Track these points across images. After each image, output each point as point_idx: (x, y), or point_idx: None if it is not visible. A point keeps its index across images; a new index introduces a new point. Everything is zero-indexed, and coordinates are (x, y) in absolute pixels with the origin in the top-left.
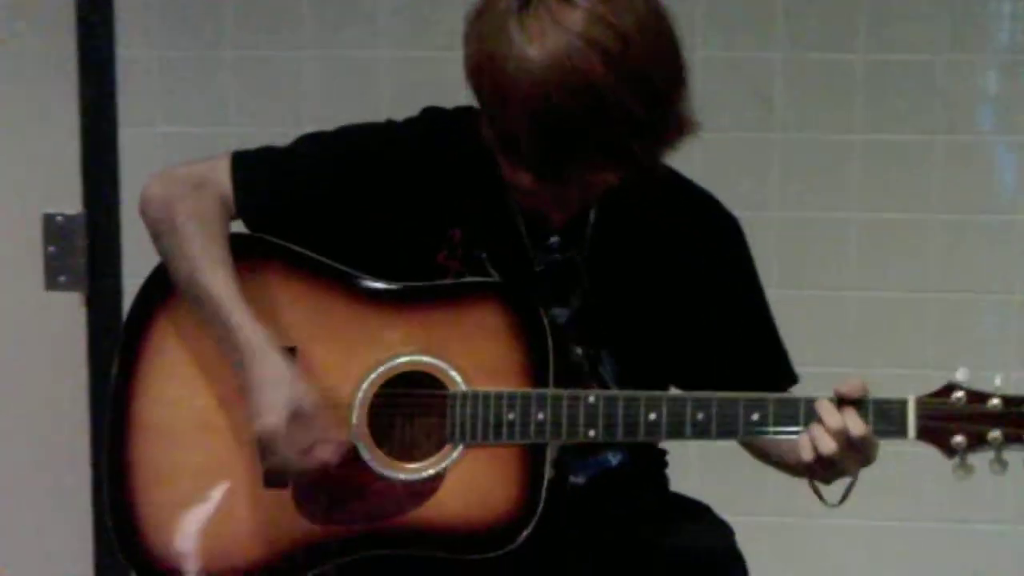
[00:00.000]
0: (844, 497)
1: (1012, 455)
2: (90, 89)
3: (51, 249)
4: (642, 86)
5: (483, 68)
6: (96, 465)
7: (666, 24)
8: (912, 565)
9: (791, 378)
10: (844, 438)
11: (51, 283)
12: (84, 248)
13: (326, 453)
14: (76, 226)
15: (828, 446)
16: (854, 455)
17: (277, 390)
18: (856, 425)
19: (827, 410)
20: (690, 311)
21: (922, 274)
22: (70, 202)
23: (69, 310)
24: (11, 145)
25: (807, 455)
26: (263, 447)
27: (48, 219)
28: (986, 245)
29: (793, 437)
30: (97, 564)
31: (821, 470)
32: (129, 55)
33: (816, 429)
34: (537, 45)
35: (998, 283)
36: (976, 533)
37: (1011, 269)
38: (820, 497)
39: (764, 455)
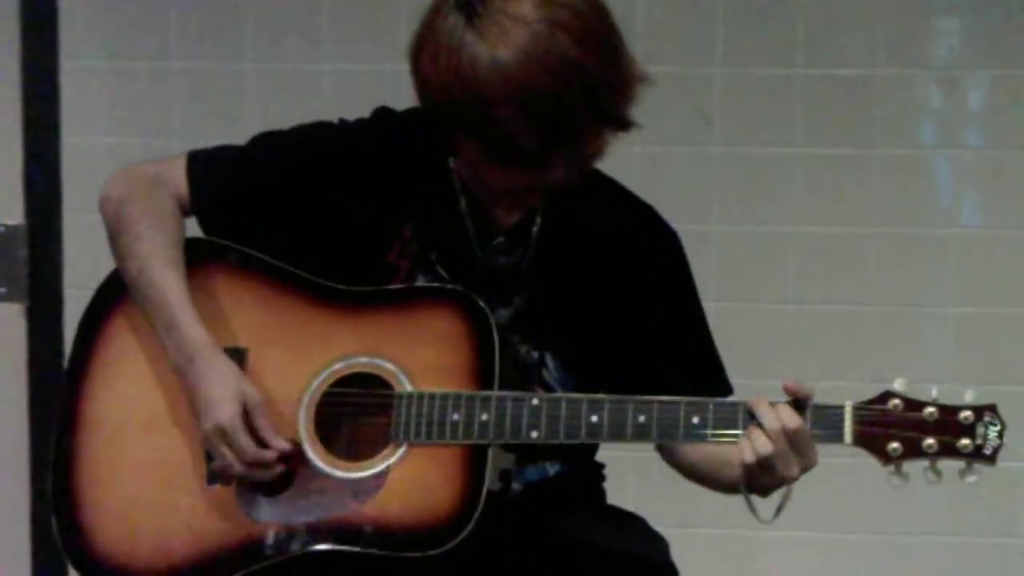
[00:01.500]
0: (778, 512)
1: (946, 464)
2: (33, 99)
3: None
4: (604, 49)
5: (453, 86)
6: (35, 475)
7: None
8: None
9: (726, 389)
10: (781, 435)
11: None
12: (25, 259)
13: (278, 445)
14: (17, 237)
15: (766, 446)
16: (792, 455)
17: (225, 385)
18: (791, 419)
19: (764, 409)
20: (628, 317)
21: (860, 287)
22: (11, 213)
23: (10, 321)
24: None
25: (748, 456)
26: (213, 443)
27: None
28: (924, 258)
29: (732, 440)
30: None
31: (760, 474)
32: (73, 66)
33: (754, 430)
34: (503, 45)
35: (936, 296)
36: (914, 544)
37: (948, 282)
38: (754, 513)
39: (694, 471)
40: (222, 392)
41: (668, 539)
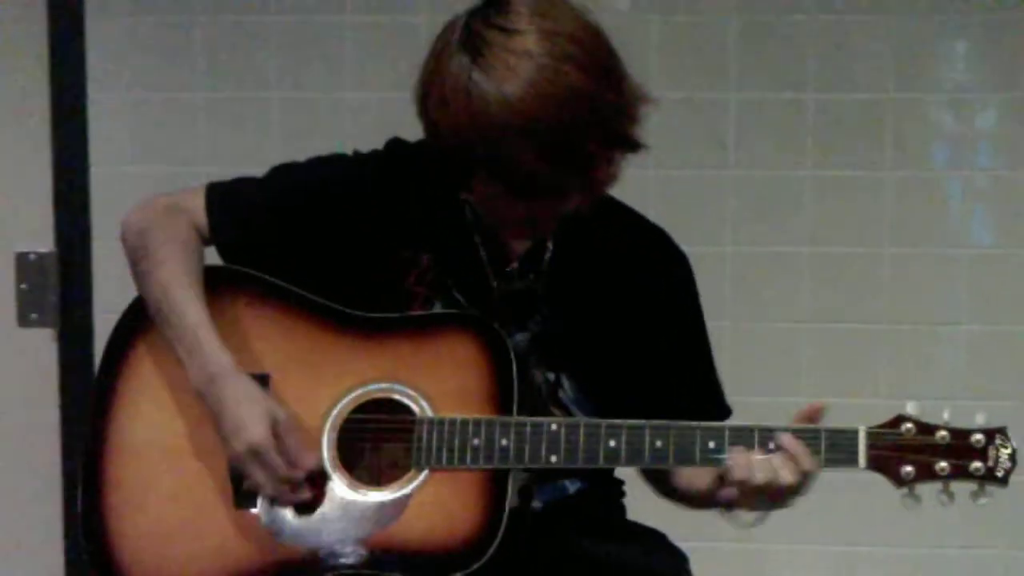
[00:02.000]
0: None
1: (958, 487)
2: (62, 130)
3: (23, 287)
4: (608, 75)
5: (464, 126)
6: (67, 497)
7: (589, 16)
8: None
9: (724, 411)
10: (796, 468)
11: (23, 320)
12: (56, 285)
13: (308, 463)
14: (48, 264)
15: (787, 476)
16: (798, 487)
17: (253, 406)
18: (806, 457)
19: (788, 440)
20: (638, 339)
21: (873, 306)
22: (42, 240)
23: (41, 346)
24: None
25: (759, 478)
26: (246, 463)
27: (21, 257)
28: (935, 278)
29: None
30: None
31: (760, 493)
32: (100, 97)
33: (774, 457)
34: (510, 81)
35: (948, 314)
36: (929, 557)
37: (960, 301)
38: (734, 520)
39: (671, 489)
40: (251, 412)
41: (687, 554)
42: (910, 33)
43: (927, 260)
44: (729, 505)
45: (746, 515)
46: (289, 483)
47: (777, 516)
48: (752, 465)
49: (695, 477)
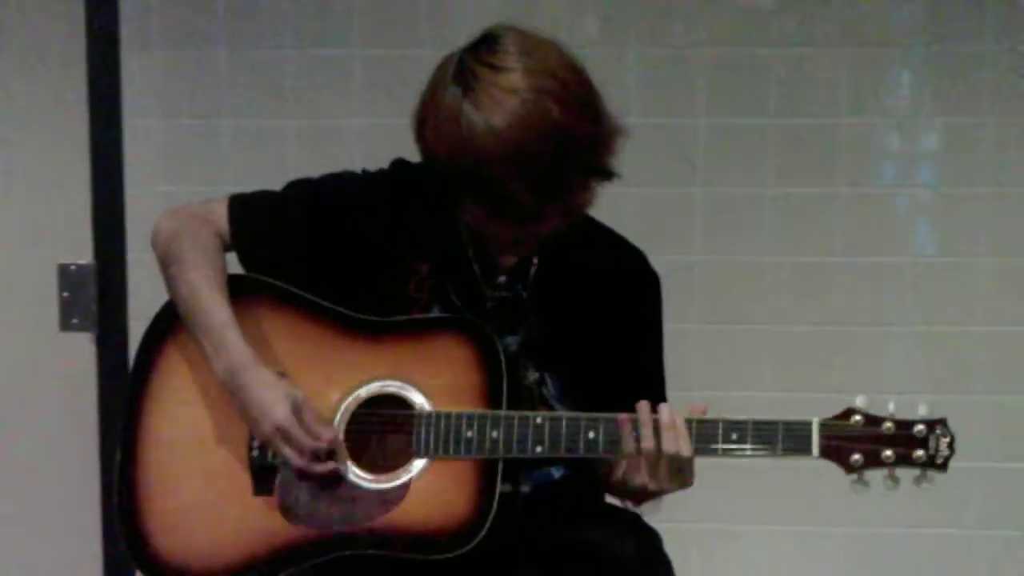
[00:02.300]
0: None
1: (903, 473)
2: (100, 154)
3: (65, 295)
4: (586, 111)
5: (454, 151)
6: (106, 490)
7: (572, 55)
8: (822, 567)
9: None
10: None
11: (65, 325)
12: (94, 294)
13: (327, 436)
14: (87, 274)
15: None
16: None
17: (273, 391)
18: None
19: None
20: (609, 344)
21: (827, 310)
22: (82, 253)
23: (81, 349)
24: (30, 203)
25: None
26: (274, 442)
27: (62, 268)
28: (883, 284)
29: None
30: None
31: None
32: (135, 124)
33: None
34: (497, 114)
35: (894, 317)
36: (873, 535)
37: (905, 305)
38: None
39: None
40: (273, 396)
41: (660, 533)
42: (861, 65)
43: (875, 268)
44: (636, 494)
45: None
46: (314, 454)
47: (744, 500)
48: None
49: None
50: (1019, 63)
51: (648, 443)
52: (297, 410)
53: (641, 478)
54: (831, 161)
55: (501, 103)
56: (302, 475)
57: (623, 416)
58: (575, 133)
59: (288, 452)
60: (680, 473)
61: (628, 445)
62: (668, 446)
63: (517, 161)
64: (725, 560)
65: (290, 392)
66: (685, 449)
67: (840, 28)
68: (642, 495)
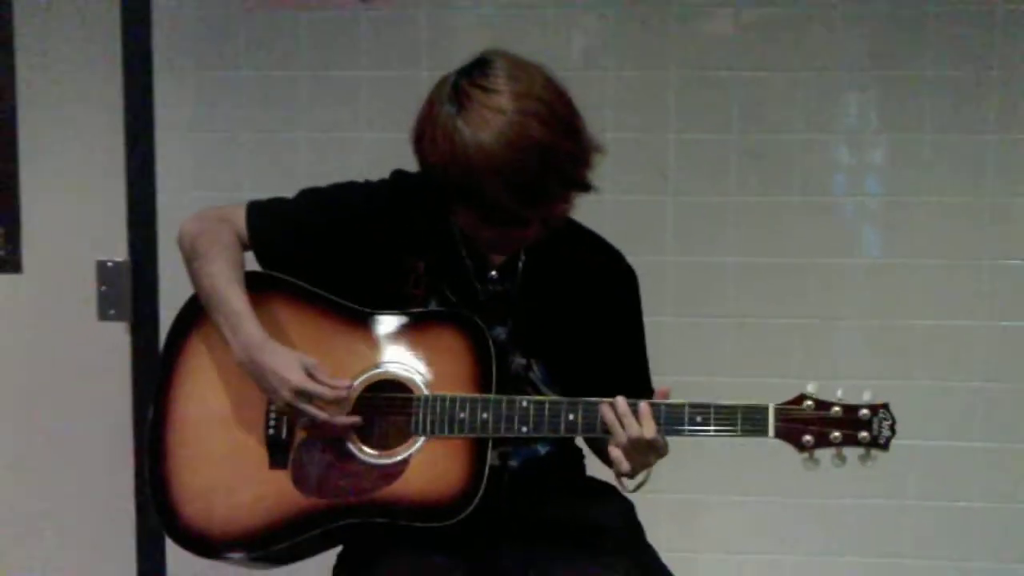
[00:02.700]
0: (639, 486)
1: (849, 452)
2: (134, 163)
3: (103, 288)
4: (566, 128)
5: (448, 163)
6: (138, 460)
7: (555, 79)
8: (772, 534)
9: (650, 392)
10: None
11: (102, 315)
12: (129, 288)
13: (343, 384)
14: (122, 270)
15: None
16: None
17: (286, 360)
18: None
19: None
20: (592, 334)
21: (784, 305)
22: (118, 251)
23: (117, 338)
24: (72, 207)
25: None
26: (296, 403)
27: (100, 264)
28: (835, 283)
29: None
30: (139, 536)
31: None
32: (165, 137)
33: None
34: (486, 131)
35: (843, 312)
36: (824, 505)
37: (853, 301)
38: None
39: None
40: (285, 365)
41: (633, 502)
42: (814, 87)
43: (826, 269)
44: (623, 473)
45: (629, 481)
46: (336, 403)
47: (711, 475)
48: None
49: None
50: (955, 87)
51: (619, 433)
52: (310, 373)
53: (621, 458)
54: (787, 173)
55: (489, 121)
56: (313, 443)
57: (603, 408)
58: (556, 150)
59: (311, 409)
60: (652, 449)
61: (616, 434)
62: (632, 432)
63: (503, 173)
64: (690, 526)
65: (300, 358)
66: (648, 431)
67: (795, 54)
68: (630, 472)
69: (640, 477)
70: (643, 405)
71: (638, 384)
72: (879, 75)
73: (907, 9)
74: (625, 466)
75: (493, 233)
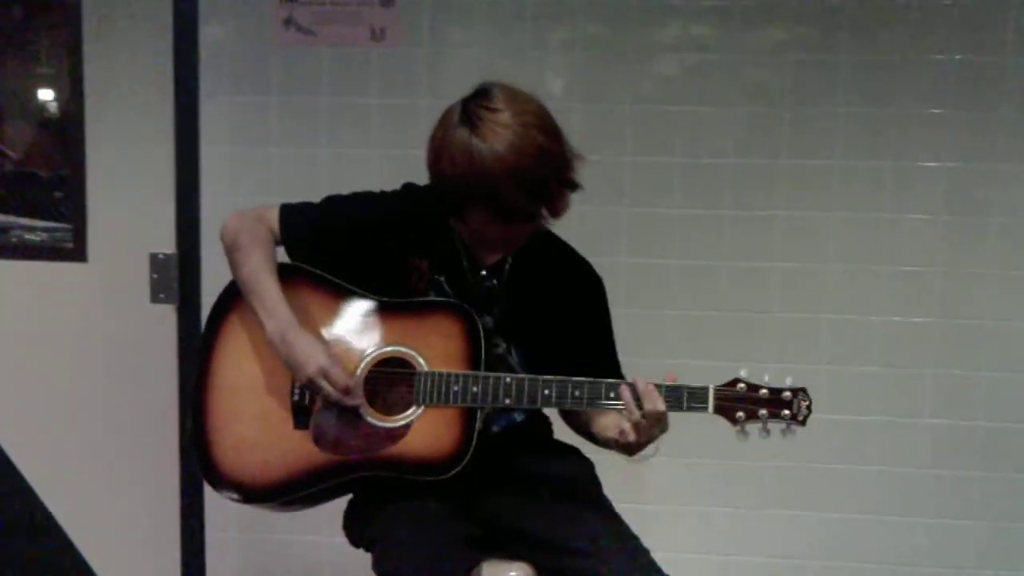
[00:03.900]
0: (647, 457)
1: (773, 426)
2: (183, 171)
3: (154, 276)
4: (558, 138)
5: (468, 174)
6: (183, 423)
7: (542, 102)
8: (706, 490)
9: (619, 375)
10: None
11: (154, 299)
12: (176, 276)
13: (354, 379)
14: (171, 261)
15: (659, 404)
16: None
17: (312, 346)
18: (658, 401)
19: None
20: (565, 327)
21: (716, 301)
22: (168, 244)
23: (166, 317)
24: (129, 207)
25: (634, 417)
26: (316, 382)
27: (153, 256)
28: (759, 283)
29: (619, 406)
30: (183, 485)
31: (636, 434)
32: (209, 150)
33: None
34: (498, 142)
35: (766, 307)
36: (754, 468)
37: (774, 299)
38: (629, 453)
39: (589, 434)
40: (312, 350)
41: (593, 462)
42: (743, 119)
43: (753, 271)
44: (628, 446)
45: (643, 451)
46: (348, 389)
47: (665, 439)
48: (636, 398)
49: (606, 429)
50: (859, 121)
51: (635, 411)
52: (331, 358)
53: (631, 431)
54: (721, 190)
55: (499, 134)
56: (331, 408)
57: (622, 387)
58: (554, 153)
59: (327, 387)
60: (659, 423)
61: (632, 412)
62: (648, 406)
63: (516, 175)
64: (636, 481)
65: (323, 347)
66: (660, 405)
67: (729, 92)
68: (636, 447)
69: (649, 450)
70: (650, 386)
71: (610, 368)
72: (796, 111)
73: (820, 56)
74: (632, 436)
75: (503, 232)
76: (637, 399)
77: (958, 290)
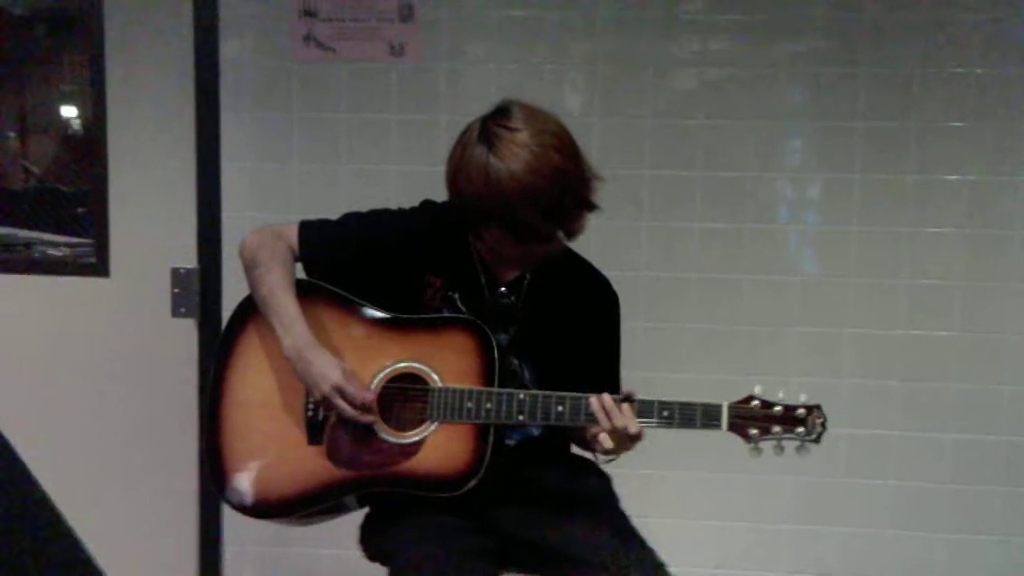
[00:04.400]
0: (611, 460)
1: (788, 443)
2: (204, 189)
3: (176, 291)
4: (576, 158)
5: (484, 193)
6: (202, 435)
7: (560, 119)
8: (719, 504)
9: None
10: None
11: (175, 313)
12: (198, 290)
13: (369, 397)
14: (192, 276)
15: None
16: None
17: (329, 363)
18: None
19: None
20: (578, 345)
21: (736, 314)
22: (189, 260)
23: (187, 331)
24: (152, 224)
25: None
26: (332, 399)
27: (174, 271)
28: (779, 296)
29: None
30: (200, 497)
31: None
32: (230, 167)
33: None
34: (515, 162)
35: (784, 320)
36: (774, 483)
37: (794, 312)
38: (601, 456)
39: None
40: (328, 367)
41: (611, 476)
42: (764, 133)
43: (772, 284)
44: (605, 451)
45: (604, 457)
46: (364, 406)
47: (670, 454)
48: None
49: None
50: (879, 135)
51: (605, 422)
52: (346, 375)
53: (607, 439)
54: (741, 204)
55: (517, 154)
56: (345, 424)
57: (591, 400)
58: (571, 174)
59: (343, 404)
60: (630, 440)
61: (603, 422)
62: (617, 422)
63: (531, 195)
64: (653, 496)
65: (339, 364)
66: (632, 426)
67: (749, 106)
68: (608, 452)
69: (613, 456)
70: (625, 405)
71: (611, 388)
72: (817, 124)
73: (841, 70)
74: (609, 445)
75: (519, 251)
76: (607, 412)
77: (979, 303)
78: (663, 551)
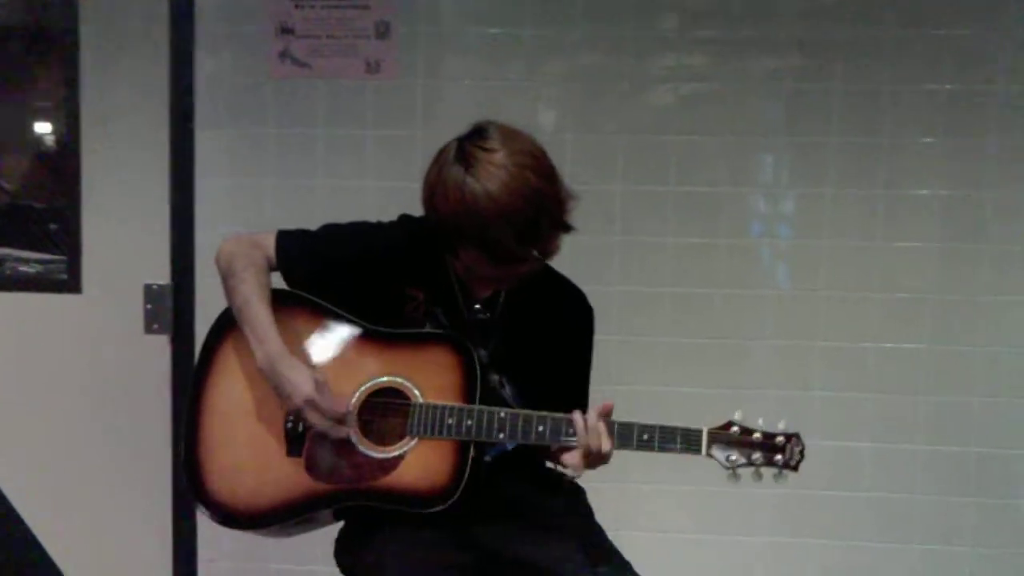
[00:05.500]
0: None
1: (766, 471)
2: (177, 203)
3: (148, 307)
4: (552, 179)
5: (460, 213)
6: (175, 449)
7: (537, 140)
8: (696, 517)
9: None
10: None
11: (148, 329)
12: (171, 306)
13: (341, 408)
14: (165, 292)
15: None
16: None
17: (301, 374)
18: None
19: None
20: (552, 359)
21: (707, 328)
22: (162, 276)
23: (160, 348)
24: (124, 239)
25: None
26: (305, 412)
27: (147, 287)
28: (751, 309)
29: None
30: (175, 512)
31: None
32: (204, 183)
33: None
34: (492, 182)
35: (758, 333)
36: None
37: (767, 325)
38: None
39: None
40: (301, 378)
41: (583, 488)
42: (737, 149)
43: (745, 297)
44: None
45: (574, 472)
46: (338, 418)
47: (645, 468)
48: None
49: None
50: (851, 151)
51: (583, 440)
52: (319, 387)
53: (579, 461)
54: (714, 219)
55: (493, 175)
56: (324, 436)
57: (571, 417)
58: (547, 195)
59: (316, 418)
60: (601, 458)
61: (582, 442)
62: (593, 442)
63: (508, 216)
64: (627, 508)
65: (312, 374)
66: (606, 445)
67: (722, 122)
68: (579, 470)
69: (580, 472)
70: (602, 424)
71: (578, 400)
72: (790, 140)
73: (813, 86)
74: (581, 468)
75: (494, 271)
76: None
77: (949, 316)
78: (638, 565)
